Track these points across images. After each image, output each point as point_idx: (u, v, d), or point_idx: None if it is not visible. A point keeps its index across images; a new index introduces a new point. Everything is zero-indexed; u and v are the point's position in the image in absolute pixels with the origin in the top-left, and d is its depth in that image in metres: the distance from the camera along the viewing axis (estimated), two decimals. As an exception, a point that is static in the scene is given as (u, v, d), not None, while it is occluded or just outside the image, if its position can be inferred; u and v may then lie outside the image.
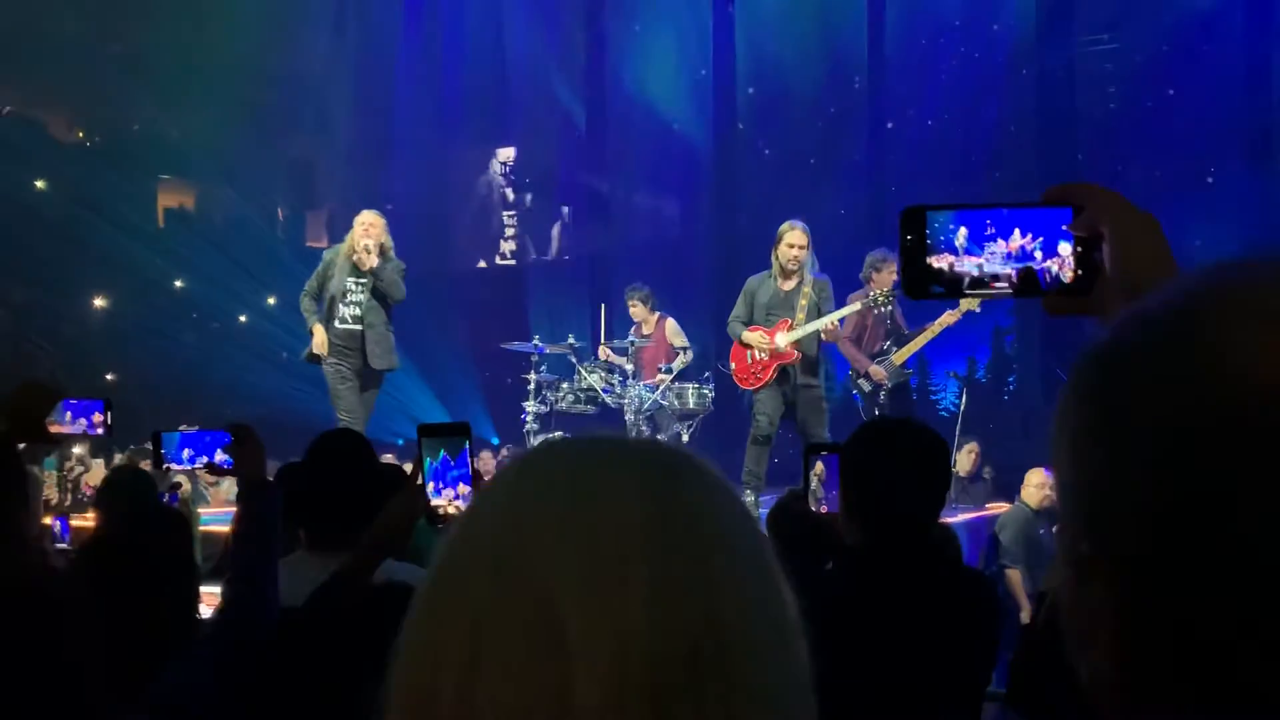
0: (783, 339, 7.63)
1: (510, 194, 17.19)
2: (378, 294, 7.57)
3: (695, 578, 0.68)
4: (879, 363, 8.23)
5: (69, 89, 16.46)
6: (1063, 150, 12.78)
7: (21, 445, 2.53)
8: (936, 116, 13.80)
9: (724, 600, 0.68)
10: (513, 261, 17.09)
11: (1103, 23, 13.25)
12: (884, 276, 8.16)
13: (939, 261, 1.15)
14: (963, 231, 1.15)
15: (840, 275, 8.75)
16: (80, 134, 17.89)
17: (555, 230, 16.96)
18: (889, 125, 14.34)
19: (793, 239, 7.62)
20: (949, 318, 8.12)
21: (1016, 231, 1.14)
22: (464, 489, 2.14)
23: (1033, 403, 12.95)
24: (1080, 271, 1.13)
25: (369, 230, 7.54)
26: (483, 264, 16.87)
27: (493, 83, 16.68)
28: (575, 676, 0.64)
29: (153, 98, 16.25)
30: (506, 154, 17.04)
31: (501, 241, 17.21)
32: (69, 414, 3.03)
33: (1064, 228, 1.14)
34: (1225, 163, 12.98)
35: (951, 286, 1.15)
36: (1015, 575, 7.08)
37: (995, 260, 1.15)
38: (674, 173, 15.47)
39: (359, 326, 7.55)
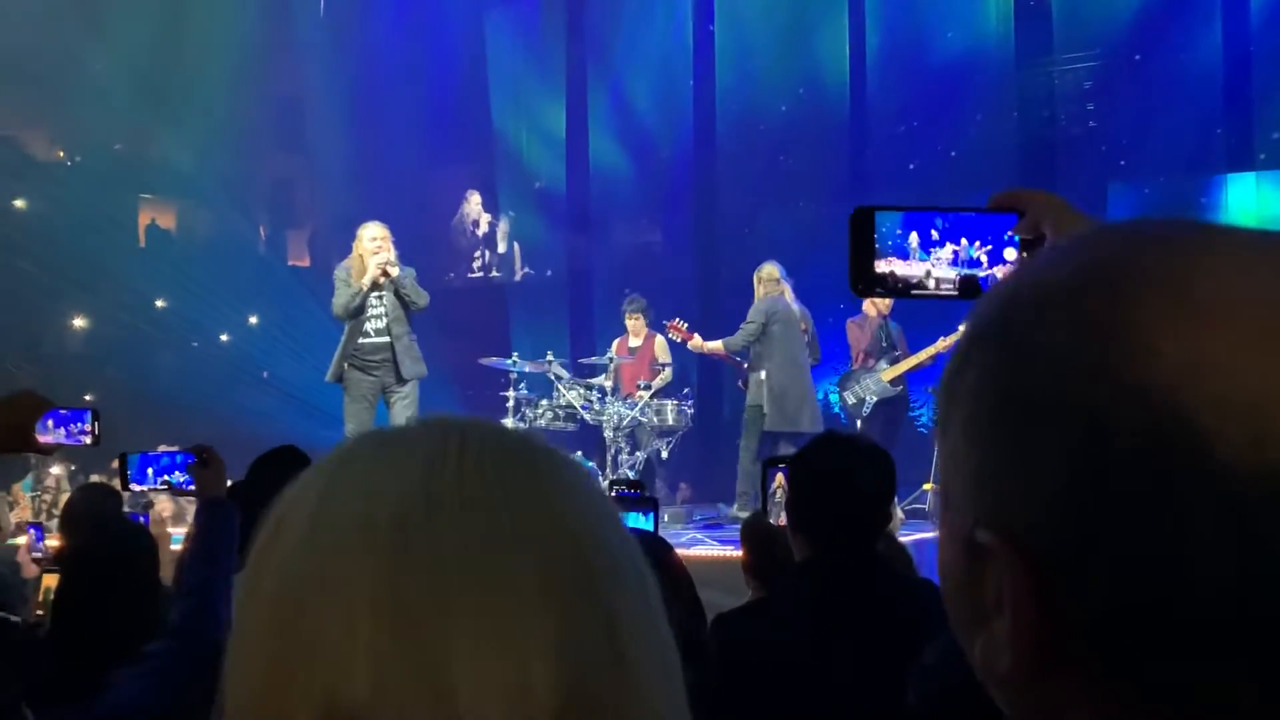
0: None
1: (487, 215, 17.21)
2: (395, 304, 7.58)
3: (593, 611, 0.61)
4: (866, 378, 8.45)
5: (49, 107, 16.43)
6: (1043, 167, 12.85)
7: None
8: (917, 134, 13.85)
9: (622, 633, 0.62)
10: (497, 274, 17.08)
11: (1081, 40, 13.34)
12: (868, 301, 8.51)
13: (886, 264, 1.17)
14: (914, 236, 1.17)
15: (823, 291, 8.83)
16: (61, 153, 17.85)
17: (516, 249, 16.99)
18: (869, 143, 14.40)
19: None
20: (943, 343, 8.39)
21: (964, 239, 1.16)
22: None
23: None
24: None
25: (384, 242, 7.58)
26: (451, 275, 16.85)
27: (475, 101, 16.70)
28: None
29: (134, 116, 16.23)
30: (476, 198, 17.14)
31: (477, 256, 17.23)
32: (51, 422, 3.02)
33: (1008, 234, 1.15)
34: (1206, 177, 13.08)
35: (896, 287, 1.17)
36: None
37: (941, 264, 1.17)
38: (655, 190, 15.50)
39: (386, 338, 7.57)
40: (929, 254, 1.17)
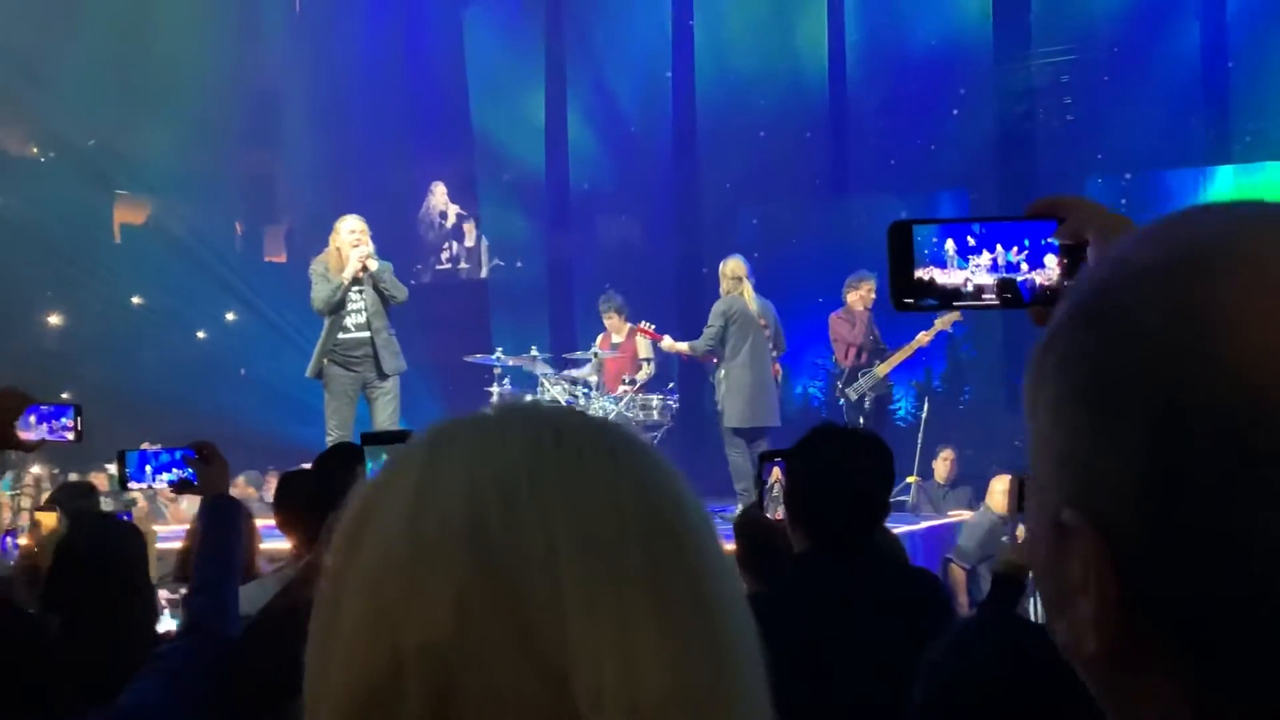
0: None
1: (454, 207, 17.21)
2: (375, 298, 7.53)
3: (693, 597, 0.63)
4: (863, 375, 8.63)
5: (23, 104, 16.28)
6: (1021, 161, 12.92)
7: None
8: (896, 128, 13.90)
9: (715, 617, 0.63)
10: (465, 266, 17.06)
11: (1060, 35, 13.41)
12: (855, 295, 8.68)
13: (925, 274, 1.17)
14: (950, 244, 1.17)
15: (801, 287, 8.91)
16: (34, 149, 17.69)
17: (484, 241, 17.01)
18: (849, 137, 14.44)
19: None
20: (924, 337, 8.68)
21: (1000, 245, 1.17)
22: None
23: (991, 411, 13.05)
24: (1067, 282, 1.15)
25: (363, 235, 7.53)
26: (419, 266, 16.83)
27: (453, 96, 16.66)
28: None
29: (109, 112, 16.11)
30: (441, 189, 17.14)
31: (445, 249, 17.23)
32: (33, 418, 2.98)
33: (1047, 240, 1.16)
34: (1184, 170, 13.19)
35: (939, 298, 1.18)
36: (959, 572, 7.17)
37: (980, 272, 1.17)
38: (635, 184, 15.51)
39: (366, 333, 7.51)
40: (967, 261, 1.17)
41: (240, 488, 9.80)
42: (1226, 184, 13.07)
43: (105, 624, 2.45)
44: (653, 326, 8.89)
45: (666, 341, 8.66)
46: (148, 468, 2.94)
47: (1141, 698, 0.59)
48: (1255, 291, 0.55)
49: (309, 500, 2.87)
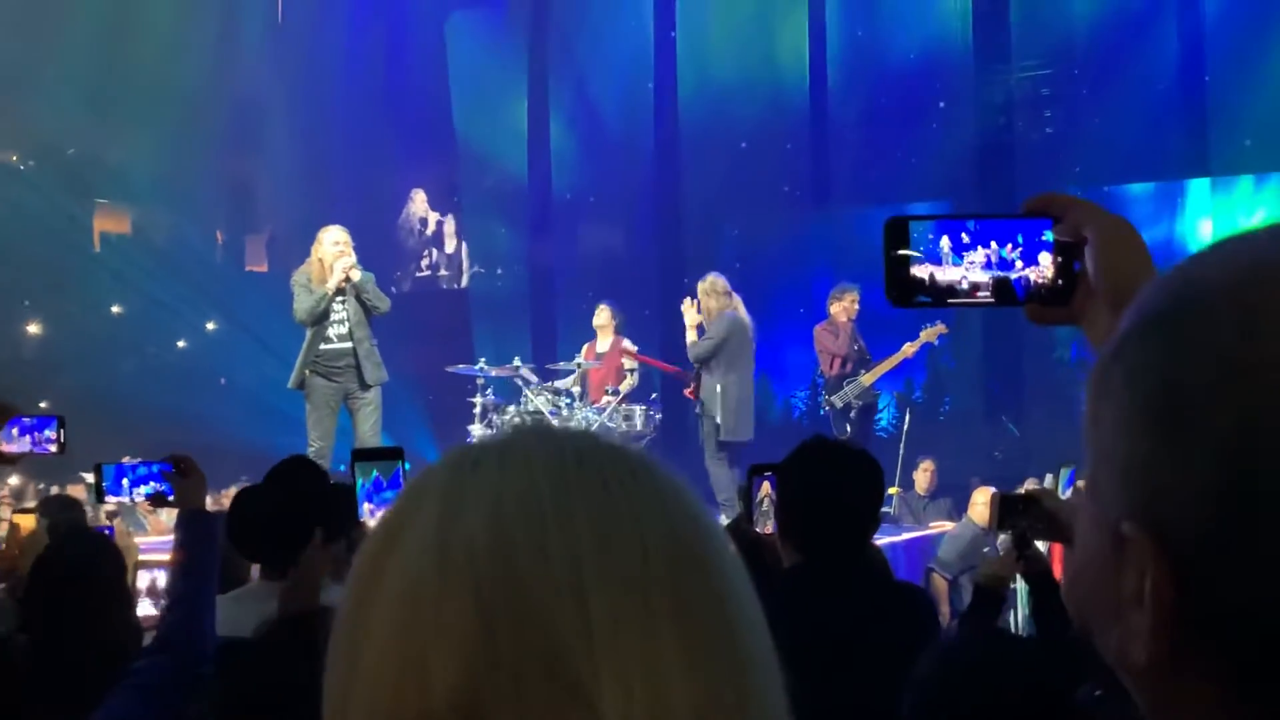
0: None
1: (434, 214, 17.19)
2: (357, 308, 7.51)
3: (719, 621, 0.63)
4: (847, 385, 8.70)
5: (3, 111, 16.18)
6: (1000, 173, 12.98)
7: None
8: (877, 141, 13.95)
9: (740, 639, 0.63)
10: (445, 273, 17.02)
11: (1039, 49, 13.49)
12: (838, 307, 8.74)
13: (921, 271, 1.17)
14: (945, 241, 1.17)
15: (782, 298, 8.94)
16: (14, 157, 17.58)
17: (464, 248, 16.99)
18: (830, 148, 14.49)
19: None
20: (909, 348, 8.78)
21: (994, 243, 1.17)
22: None
23: (972, 421, 13.10)
24: (1060, 280, 1.15)
25: (346, 246, 7.51)
26: (398, 273, 16.77)
27: (436, 105, 16.65)
28: None
29: (89, 120, 16.02)
30: (421, 196, 17.13)
31: (425, 256, 17.20)
32: (16, 430, 2.96)
33: (1044, 237, 1.16)
34: (1161, 182, 13.27)
35: (935, 295, 1.18)
36: (941, 583, 7.19)
37: (975, 270, 1.17)
38: (617, 193, 15.52)
39: (349, 343, 7.49)
40: (962, 258, 1.17)
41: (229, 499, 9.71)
42: (1203, 196, 13.17)
43: (83, 641, 2.43)
44: (635, 348, 8.92)
45: (646, 359, 8.68)
46: (125, 481, 2.92)
47: (1185, 711, 0.60)
48: None
49: (265, 517, 2.83)
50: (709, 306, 8.48)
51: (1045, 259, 1.16)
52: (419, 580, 0.61)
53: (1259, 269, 0.59)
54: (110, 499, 2.97)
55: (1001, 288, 1.16)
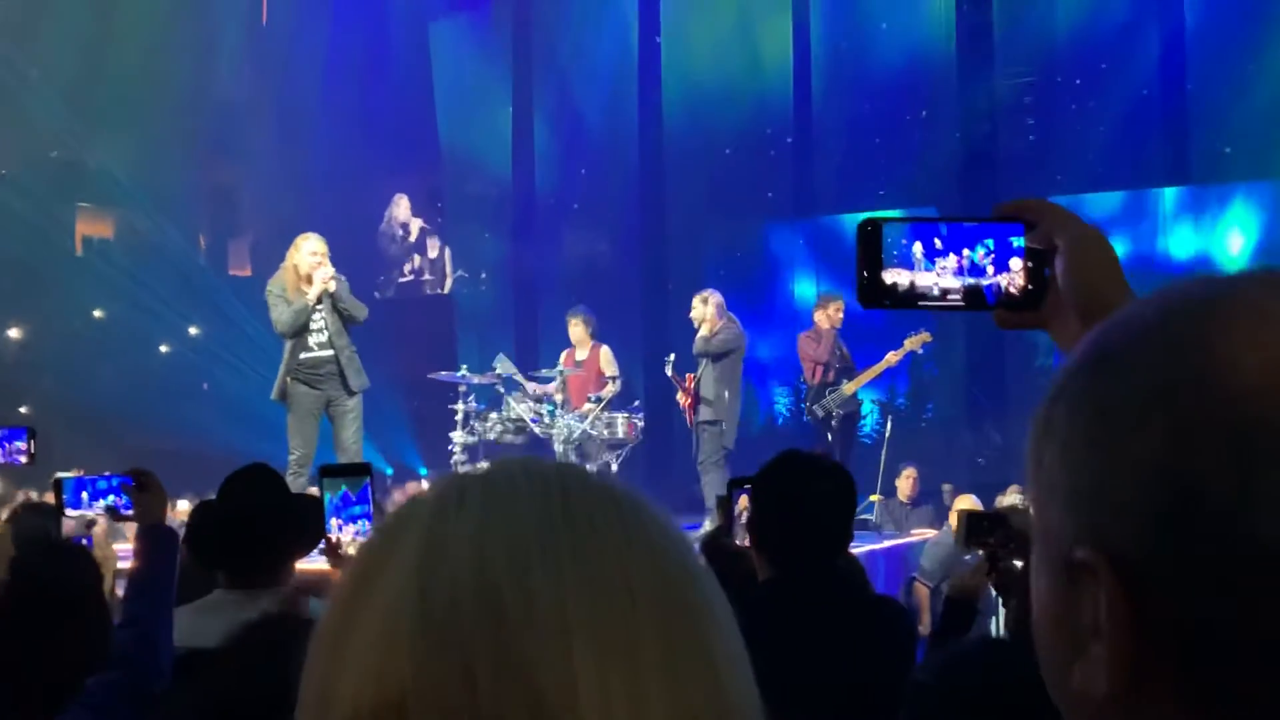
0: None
1: (417, 220, 17.19)
2: (335, 316, 7.49)
3: (702, 660, 0.62)
4: (830, 393, 8.80)
5: (-16, 115, 16.12)
6: (983, 180, 13.02)
7: None
8: (862, 151, 14.00)
9: (722, 677, 0.62)
10: (429, 277, 17.00)
11: (1022, 58, 13.54)
12: (822, 314, 8.86)
13: (892, 275, 1.18)
14: (918, 246, 1.18)
15: (767, 302, 8.97)
16: (-4, 160, 17.52)
17: (448, 254, 16.99)
18: (814, 155, 14.53)
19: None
20: (892, 357, 8.86)
21: (966, 249, 1.18)
22: (364, 525, 2.18)
23: (954, 428, 13.13)
24: (1030, 286, 1.16)
25: (324, 257, 7.49)
26: (381, 278, 16.72)
27: (420, 110, 16.63)
28: None
29: (70, 124, 15.97)
30: (404, 202, 17.14)
31: (408, 262, 17.19)
32: None
33: (1015, 242, 1.16)
34: (1143, 190, 13.34)
35: (904, 299, 1.18)
36: (923, 591, 7.21)
37: (947, 274, 1.18)
38: (601, 199, 15.53)
39: (330, 351, 7.47)
40: (934, 264, 1.17)
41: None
42: (1184, 204, 13.24)
43: (56, 654, 2.41)
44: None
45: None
46: (84, 494, 2.91)
47: None
48: (1253, 328, 0.58)
49: (223, 527, 2.80)
50: (704, 314, 8.75)
51: (1016, 264, 1.16)
52: (397, 625, 0.59)
53: (1187, 303, 0.61)
54: (70, 512, 2.95)
55: (972, 293, 1.17)
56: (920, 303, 1.17)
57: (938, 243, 1.17)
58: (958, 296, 1.17)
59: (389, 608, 0.60)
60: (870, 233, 1.18)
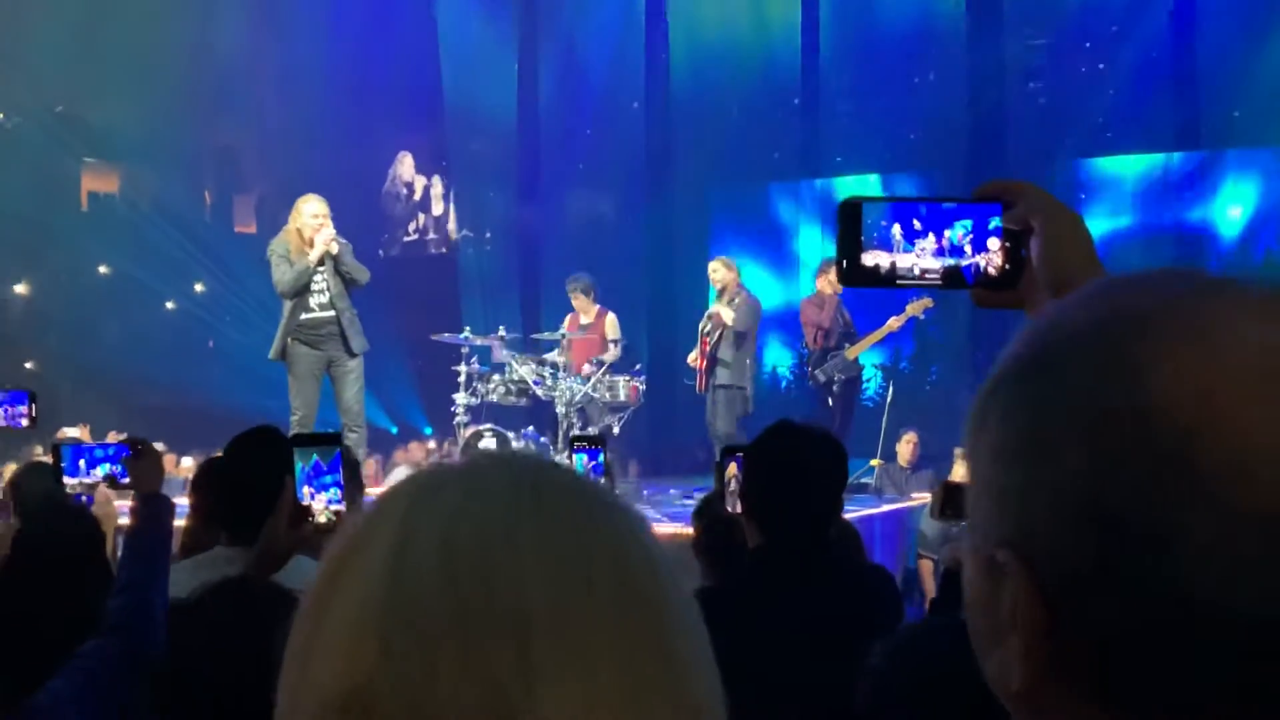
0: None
1: (421, 178, 17.14)
2: (336, 278, 7.51)
3: (661, 659, 0.63)
4: (832, 358, 8.80)
5: (-13, 69, 16.06)
6: (994, 145, 12.96)
7: None
8: (869, 114, 13.92)
9: (685, 678, 0.63)
10: (434, 236, 16.98)
11: (1032, 20, 13.44)
12: (824, 280, 8.92)
13: (872, 255, 1.20)
14: (897, 228, 1.20)
15: (772, 265, 8.96)
16: (1, 115, 17.47)
17: (453, 211, 16.94)
18: (821, 117, 14.45)
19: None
20: (894, 322, 8.84)
21: (945, 230, 1.19)
22: (335, 493, 2.27)
23: (957, 392, 13.15)
24: (1007, 266, 1.18)
25: (325, 220, 7.49)
26: (385, 236, 16.69)
27: (425, 67, 16.54)
28: None
29: (76, 79, 15.90)
30: (408, 160, 17.09)
31: (412, 220, 17.16)
32: None
33: (993, 223, 1.18)
34: (1152, 154, 13.28)
35: (884, 278, 1.20)
36: (927, 565, 7.25)
37: (926, 254, 1.20)
38: (607, 161, 15.47)
39: (331, 312, 7.50)
40: (913, 245, 1.19)
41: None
42: (1192, 168, 13.18)
43: (62, 613, 2.44)
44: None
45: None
46: (82, 462, 2.94)
47: None
48: (1181, 349, 0.60)
49: (227, 487, 2.84)
50: (727, 279, 8.74)
51: (994, 244, 1.19)
52: (367, 610, 0.62)
53: (1121, 314, 0.63)
54: (69, 480, 2.98)
55: (950, 273, 1.19)
56: (899, 281, 1.20)
57: (917, 224, 1.19)
58: (936, 276, 1.19)
59: (362, 592, 0.62)
60: (850, 213, 1.20)
